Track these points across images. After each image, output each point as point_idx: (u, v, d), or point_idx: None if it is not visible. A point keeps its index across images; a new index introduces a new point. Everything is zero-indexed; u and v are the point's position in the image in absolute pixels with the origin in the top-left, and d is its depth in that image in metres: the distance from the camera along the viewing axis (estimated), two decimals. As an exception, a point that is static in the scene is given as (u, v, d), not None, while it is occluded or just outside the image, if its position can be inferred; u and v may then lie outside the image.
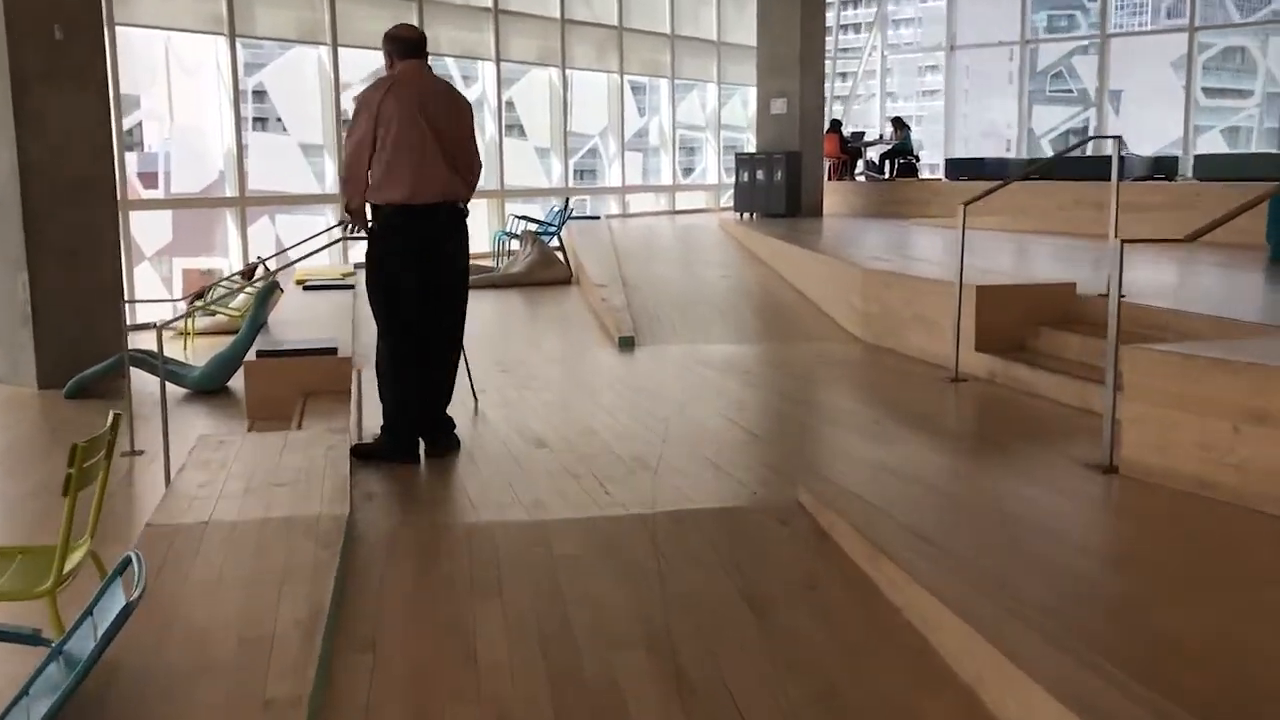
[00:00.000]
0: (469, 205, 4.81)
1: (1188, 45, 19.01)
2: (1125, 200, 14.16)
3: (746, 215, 16.56)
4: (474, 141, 4.80)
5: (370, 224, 4.69)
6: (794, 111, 16.39)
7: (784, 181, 16.18)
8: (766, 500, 4.10)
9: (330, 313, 9.44)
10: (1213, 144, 20.04)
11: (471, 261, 7.32)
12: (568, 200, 14.98)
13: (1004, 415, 5.57)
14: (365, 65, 15.01)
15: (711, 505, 4.04)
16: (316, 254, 9.86)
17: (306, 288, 10.81)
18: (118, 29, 11.39)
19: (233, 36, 12.54)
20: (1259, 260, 8.83)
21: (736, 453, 4.86)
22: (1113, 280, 4.40)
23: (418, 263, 4.60)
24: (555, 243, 13.10)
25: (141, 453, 6.30)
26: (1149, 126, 20.56)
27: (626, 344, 7.75)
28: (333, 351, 7.09)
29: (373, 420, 5.32)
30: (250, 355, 7.22)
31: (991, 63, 23.08)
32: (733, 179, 20.81)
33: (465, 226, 4.79)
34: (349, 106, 15.01)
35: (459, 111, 4.75)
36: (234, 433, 6.88)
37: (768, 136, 16.72)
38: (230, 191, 12.88)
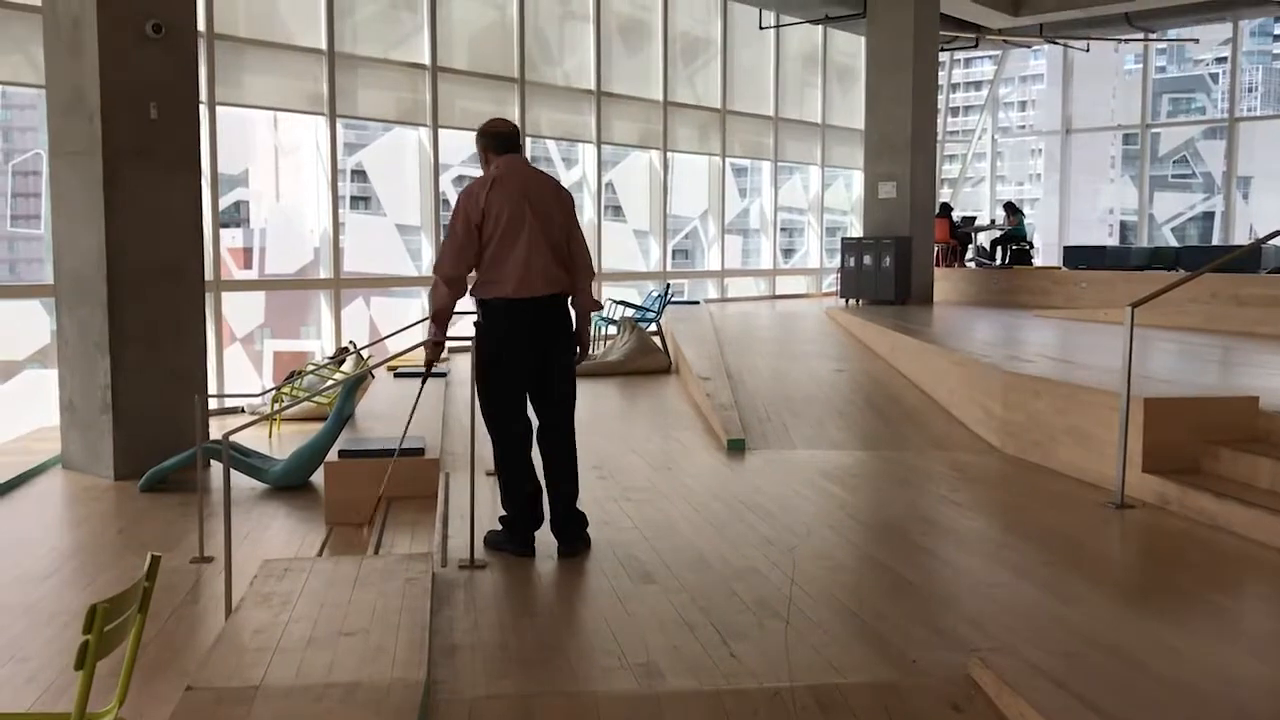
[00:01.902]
0: (591, 290, 4.86)
1: (1325, 129, 17.96)
2: (1264, 294, 13.21)
3: (853, 301, 15.85)
4: (578, 231, 4.81)
5: (476, 321, 4.75)
6: (903, 195, 15.74)
7: (893, 267, 15.47)
8: (930, 673, 3.35)
9: (423, 404, 8.92)
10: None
11: None
12: (668, 285, 14.45)
13: (1193, 557, 4.74)
14: (465, 147, 14.79)
15: (863, 678, 3.30)
16: (408, 341, 9.42)
17: (397, 375, 10.36)
18: (219, 108, 11.27)
19: (333, 116, 12.36)
20: None
21: (881, 599, 4.12)
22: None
23: (529, 353, 4.67)
24: (653, 328, 12.54)
25: (211, 559, 5.79)
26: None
27: (736, 446, 7.07)
28: (420, 452, 6.54)
29: (461, 536, 4.73)
30: (332, 454, 6.70)
31: (1096, 148, 22.22)
32: (835, 263, 20.18)
33: (567, 313, 4.78)
34: (447, 189, 14.77)
35: (562, 203, 4.77)
36: (312, 535, 6.37)
37: (875, 220, 16.07)
38: (325, 273, 12.61)
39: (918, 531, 5.12)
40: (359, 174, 14.58)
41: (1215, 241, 19.96)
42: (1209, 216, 20.99)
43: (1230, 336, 10.46)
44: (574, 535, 4.78)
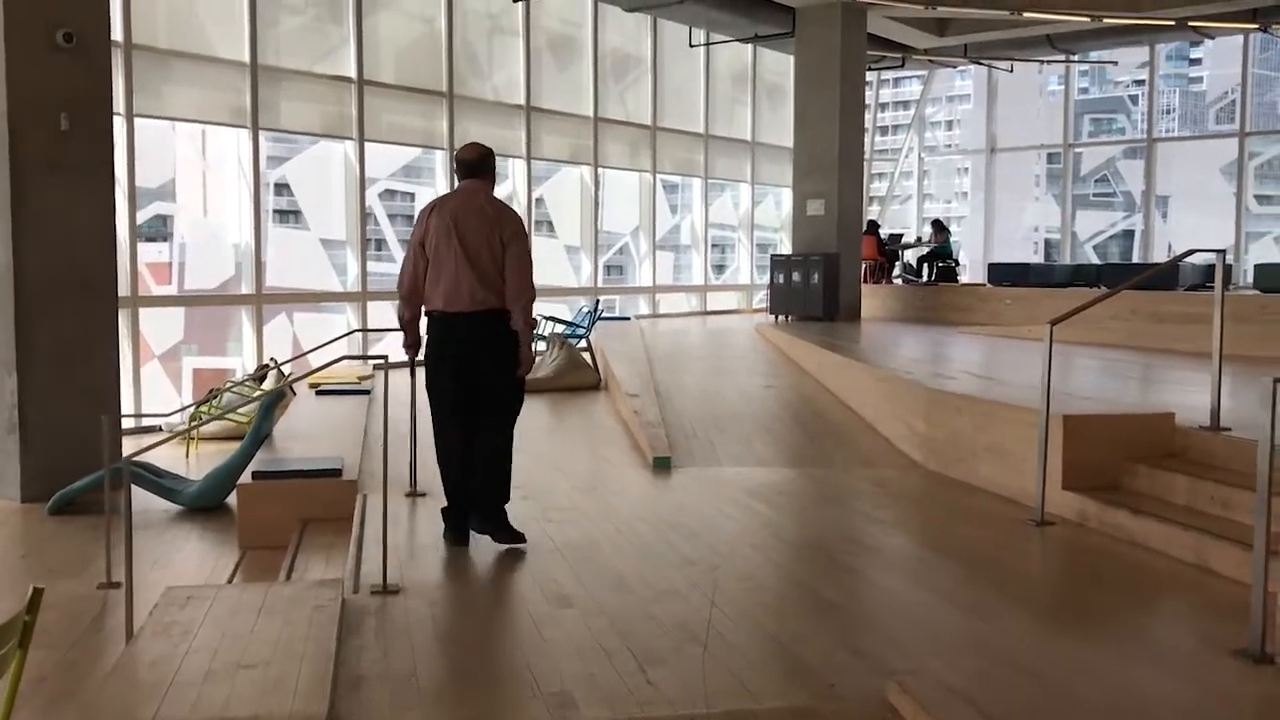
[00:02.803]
0: (528, 309, 5.16)
1: (1239, 150, 18.43)
2: (1182, 311, 13.50)
3: (782, 318, 15.91)
4: (511, 253, 5.07)
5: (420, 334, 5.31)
6: (831, 212, 15.84)
7: (821, 284, 15.55)
8: (848, 698, 3.30)
9: (344, 422, 8.76)
10: (1266, 252, 19.34)
11: None
12: (598, 301, 14.38)
13: (1109, 574, 4.77)
14: (391, 161, 14.63)
15: (780, 704, 3.25)
16: (332, 357, 9.23)
17: (320, 392, 10.16)
18: (137, 120, 10.99)
19: (255, 129, 12.13)
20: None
21: (802, 621, 4.07)
22: (1266, 424, 3.62)
23: (453, 361, 5.12)
24: (584, 345, 12.48)
25: (119, 585, 5.57)
26: (1197, 233, 19.92)
27: (662, 464, 7.01)
28: (336, 473, 6.39)
29: (375, 559, 4.60)
30: (246, 474, 6.52)
31: (1020, 166, 22.63)
32: (765, 279, 20.27)
33: (497, 329, 5.09)
34: (373, 203, 14.57)
35: (498, 227, 5.09)
36: (225, 559, 6.19)
37: (804, 237, 16.15)
38: (247, 288, 12.35)
39: (841, 550, 5.10)
40: (283, 187, 14.34)
41: (1135, 259, 20.40)
42: (1129, 234, 21.45)
43: (1150, 353, 10.66)
44: (490, 530, 5.16)
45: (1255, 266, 14.99)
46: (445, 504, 5.34)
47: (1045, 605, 4.44)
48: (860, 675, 3.47)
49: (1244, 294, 14.10)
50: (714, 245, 19.86)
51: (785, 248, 20.49)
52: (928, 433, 6.94)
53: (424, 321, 5.29)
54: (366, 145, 13.30)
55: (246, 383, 10.97)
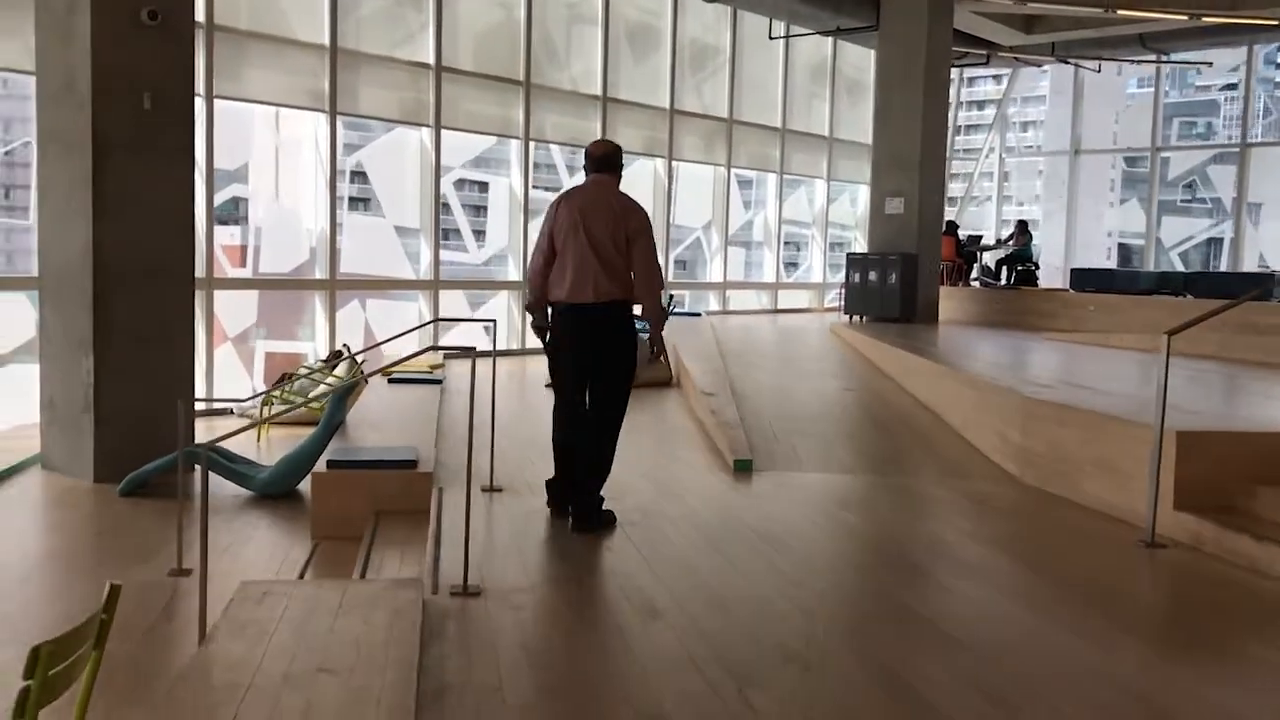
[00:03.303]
0: (657, 299, 5.36)
1: (1338, 157, 17.73)
2: (1275, 322, 12.94)
3: (857, 318, 15.58)
4: (638, 247, 5.20)
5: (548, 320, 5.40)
6: (910, 212, 15.47)
7: (898, 284, 15.20)
8: (969, 734, 3.05)
9: (416, 412, 8.63)
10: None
11: None
12: (672, 296, 14.15)
13: (1232, 604, 4.44)
14: (467, 149, 14.51)
15: (895, 738, 3.01)
16: (406, 346, 9.12)
17: (391, 381, 10.06)
18: (217, 101, 10.97)
19: (333, 114, 12.07)
20: None
21: (912, 650, 3.81)
22: None
23: (575, 351, 5.28)
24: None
25: (189, 572, 5.48)
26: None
27: (743, 468, 6.78)
28: (412, 465, 6.24)
29: (455, 558, 4.42)
30: (320, 464, 6.39)
31: (1096, 170, 22.01)
32: (838, 278, 19.90)
33: (621, 320, 5.29)
34: (448, 191, 14.47)
35: (622, 221, 5.21)
36: (297, 549, 6.06)
37: (881, 236, 15.80)
38: (320, 273, 12.31)
39: (943, 570, 4.82)
40: (359, 174, 14.29)
41: (1224, 267, 19.72)
42: (1216, 242, 20.78)
43: (1247, 366, 10.17)
44: (581, 515, 5.29)
45: (1357, 278, 14.39)
46: (552, 477, 5.53)
47: (1167, 637, 4.13)
48: (983, 711, 3.21)
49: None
50: (787, 242, 19.54)
51: (860, 246, 20.13)
52: (1024, 444, 6.62)
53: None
54: (442, 133, 13.20)
55: (319, 369, 10.92)
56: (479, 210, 15.23)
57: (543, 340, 5.49)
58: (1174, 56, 19.83)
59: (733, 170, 17.64)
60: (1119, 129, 21.92)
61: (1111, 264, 21.61)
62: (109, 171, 7.48)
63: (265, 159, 13.55)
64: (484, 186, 15.24)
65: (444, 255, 13.60)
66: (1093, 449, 5.95)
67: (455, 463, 6.80)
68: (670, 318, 13.23)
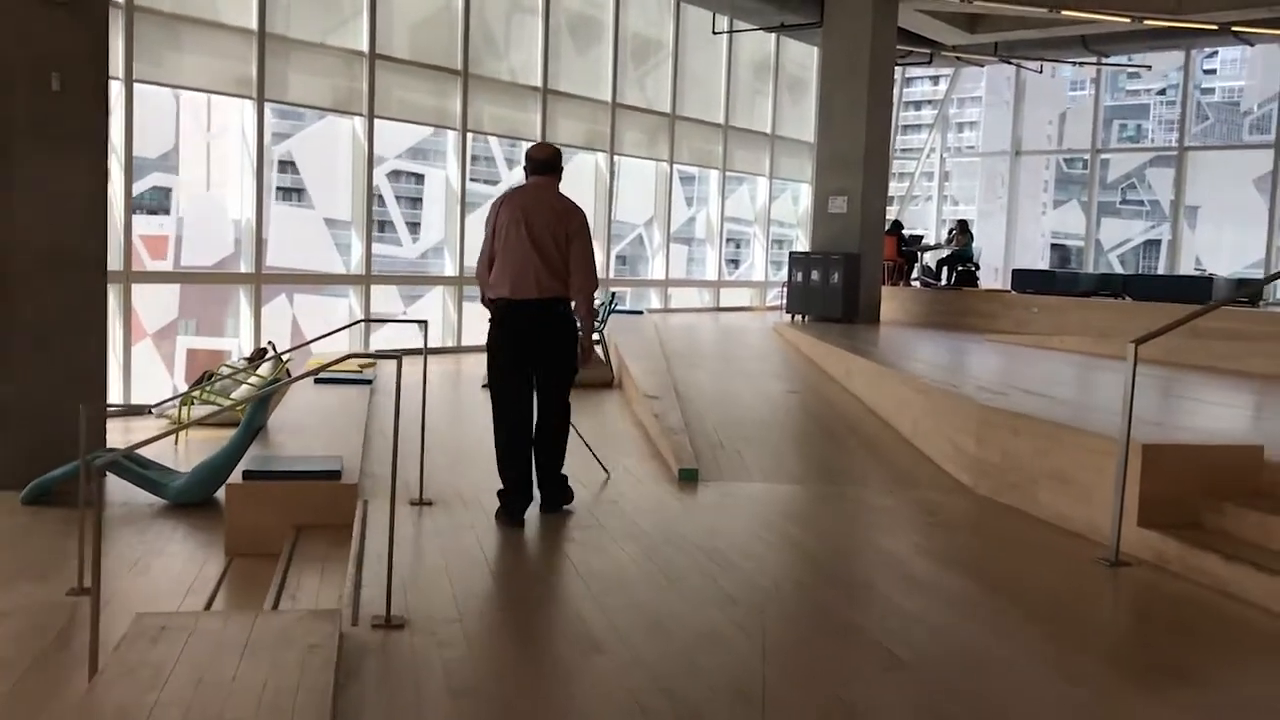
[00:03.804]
0: (590, 299, 5.53)
1: (1274, 162, 17.87)
2: (1221, 327, 12.93)
3: (799, 317, 15.37)
4: (576, 247, 5.40)
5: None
6: (854, 211, 15.29)
7: (841, 284, 15.02)
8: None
9: (343, 415, 8.22)
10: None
11: None
12: (613, 294, 13.82)
13: (1206, 630, 4.22)
14: (403, 139, 14.07)
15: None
16: (334, 345, 8.68)
17: (318, 380, 9.60)
18: (137, 86, 10.43)
19: (261, 101, 11.57)
20: None
21: (870, 682, 3.53)
22: None
23: (517, 347, 5.44)
24: (595, 338, 11.92)
25: (89, 591, 5.03)
26: (1226, 246, 19.38)
27: (688, 477, 6.47)
28: (335, 475, 5.85)
29: (378, 583, 4.05)
30: (236, 474, 5.97)
31: (1032, 171, 22.07)
32: (780, 276, 19.72)
33: (562, 315, 5.47)
34: (381, 182, 14.01)
35: (557, 221, 5.39)
36: (211, 565, 5.64)
37: (825, 235, 15.61)
38: (245, 267, 11.80)
39: (897, 590, 4.55)
40: (288, 164, 13.79)
41: (1161, 270, 19.85)
42: (1153, 244, 20.92)
43: (1194, 371, 10.06)
44: (555, 498, 5.62)
45: (1296, 283, 14.48)
46: (502, 488, 5.53)
47: (1131, 661, 3.88)
48: (953, 760, 2.93)
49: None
50: (729, 240, 19.32)
51: (802, 245, 19.96)
52: (978, 454, 6.40)
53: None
54: (376, 122, 12.74)
55: (243, 367, 10.44)
56: (414, 203, 14.79)
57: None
58: (1114, 59, 19.93)
59: (675, 166, 17.36)
60: (1054, 130, 21.98)
61: (1045, 264, 21.66)
62: (11, 156, 6.98)
63: (191, 147, 13.02)
64: (419, 178, 14.81)
65: (377, 249, 13.14)
66: (1049, 460, 5.73)
67: (383, 472, 6.41)
68: (611, 315, 12.94)
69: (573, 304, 5.48)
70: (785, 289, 16.25)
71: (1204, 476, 5.12)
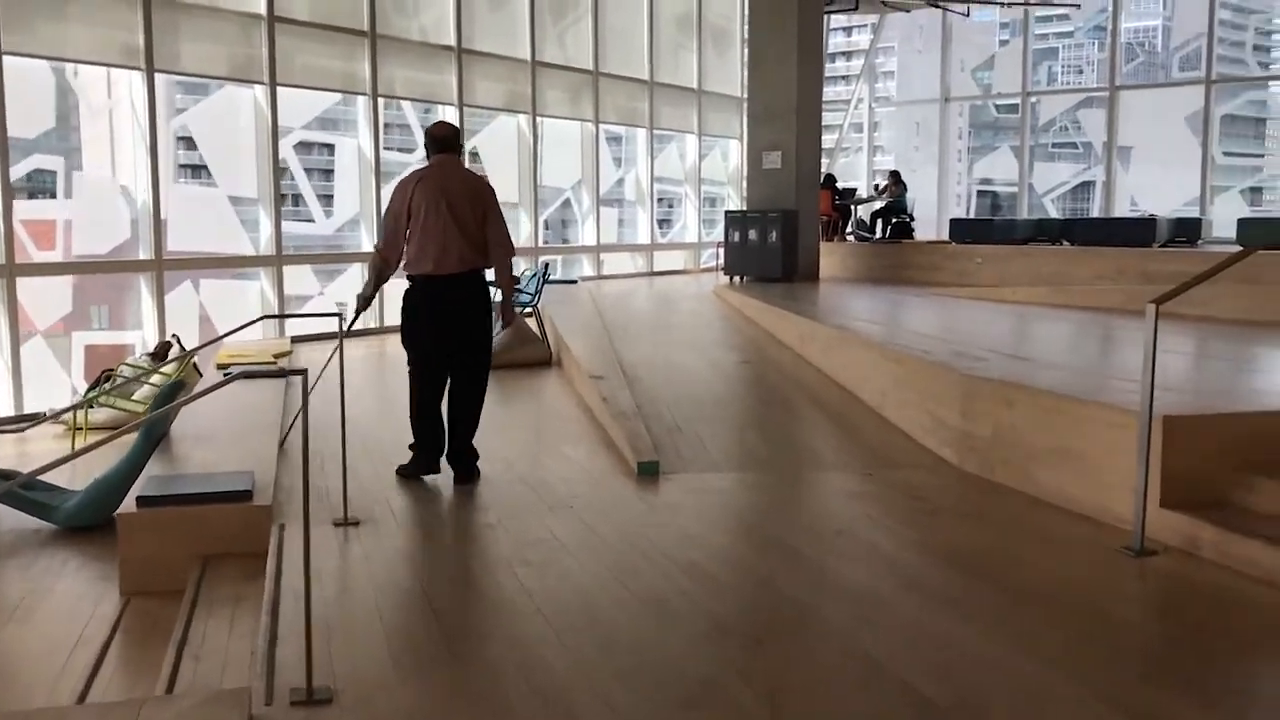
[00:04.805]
0: (510, 267, 5.88)
1: (1205, 99, 17.61)
2: (1174, 270, 12.57)
3: (737, 278, 14.76)
4: (493, 220, 5.69)
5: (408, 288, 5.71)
6: (789, 166, 14.66)
7: (779, 242, 14.42)
8: None
9: (257, 414, 7.40)
10: (1233, 205, 18.62)
11: None
12: (546, 264, 13.08)
13: (1256, 628, 3.68)
14: (310, 108, 13.11)
15: None
16: (242, 329, 7.85)
17: (228, 375, 8.73)
18: (6, 59, 9.41)
19: (150, 71, 10.58)
20: None
21: (882, 714, 2.91)
22: None
23: (442, 319, 5.63)
24: (528, 311, 11.20)
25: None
26: (1160, 186, 19.14)
27: (648, 471, 5.80)
28: (246, 496, 5.08)
29: (296, 645, 3.34)
30: (129, 499, 5.17)
31: (948, 118, 21.67)
32: (713, 236, 19.10)
33: (481, 287, 5.72)
34: (289, 155, 13.06)
35: (474, 197, 5.66)
36: (105, 606, 4.87)
37: (760, 193, 14.97)
38: (144, 253, 10.83)
39: (908, 602, 3.94)
40: (185, 139, 12.77)
41: (1095, 213, 19.58)
42: (1086, 186, 20.64)
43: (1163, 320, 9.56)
44: (467, 469, 5.75)
45: (1239, 221, 14.16)
46: (414, 444, 5.78)
47: (1181, 675, 3.31)
48: None
49: (1224, 249, 13.25)
50: (660, 200, 18.63)
51: (734, 203, 19.35)
52: (963, 427, 5.82)
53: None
54: (279, 90, 11.79)
55: (146, 364, 9.53)
56: (325, 175, 13.84)
57: (361, 311, 6.08)
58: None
59: (601, 126, 16.58)
60: (967, 76, 21.56)
61: (968, 213, 21.30)
62: None
63: (79, 124, 11.96)
64: (329, 149, 13.83)
65: (287, 227, 12.23)
66: (1051, 435, 5.16)
67: (302, 484, 5.66)
68: (546, 286, 12.19)
69: (490, 274, 5.78)
70: (721, 249, 15.63)
71: (1230, 448, 4.58)
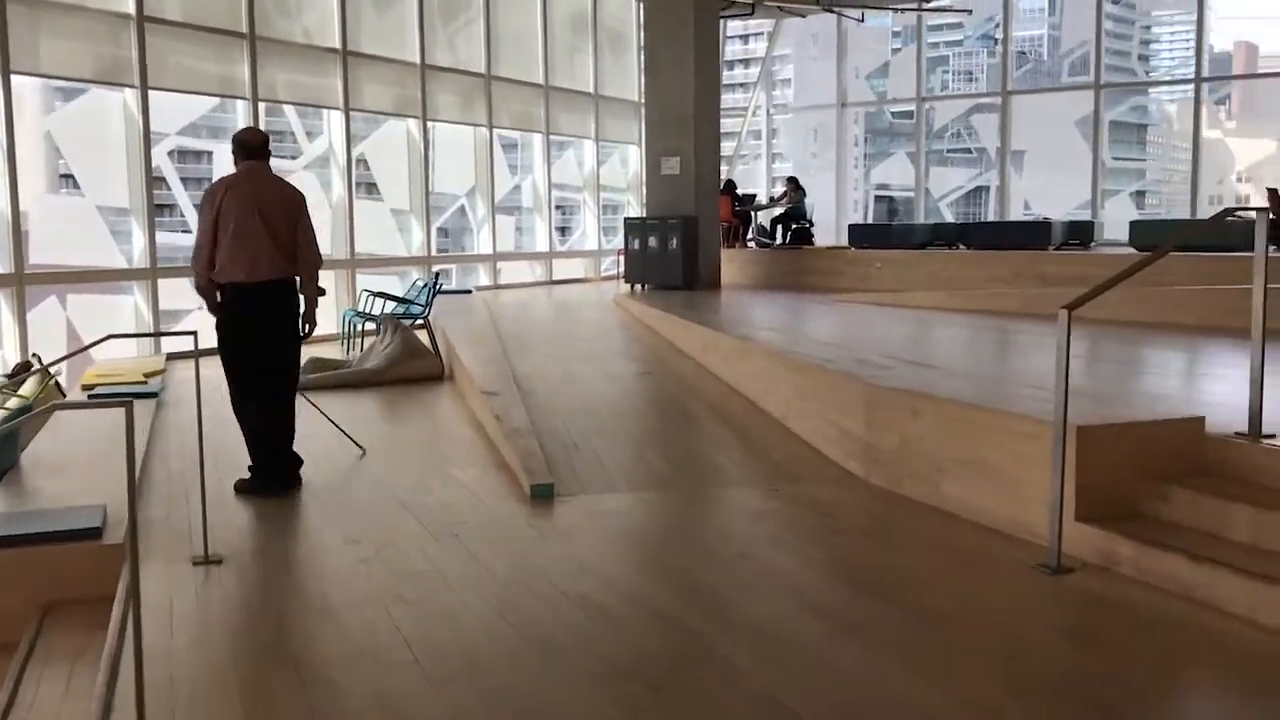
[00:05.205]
0: (317, 276, 5.83)
1: (1094, 104, 17.89)
2: (1068, 272, 12.65)
3: (638, 287, 14.48)
4: (303, 228, 5.71)
5: (218, 298, 5.63)
6: (688, 172, 14.43)
7: (680, 250, 14.17)
8: None
9: (118, 442, 6.84)
10: (1122, 208, 18.98)
11: (319, 355, 9.47)
12: (437, 273, 12.63)
13: (1191, 651, 3.49)
14: (185, 113, 12.49)
15: None
16: (120, 345, 7.28)
17: (93, 397, 8.15)
18: None
19: (6, 73, 9.89)
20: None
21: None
22: None
23: (257, 327, 5.60)
24: (419, 324, 10.74)
25: None
26: (1051, 189, 19.42)
27: (543, 494, 5.44)
28: (95, 534, 4.59)
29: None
30: (-38, 541, 4.64)
31: (856, 124, 21.78)
32: (613, 244, 18.82)
33: (291, 293, 5.72)
34: (162, 162, 12.40)
35: (286, 204, 5.68)
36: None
37: (659, 199, 14.71)
38: (3, 266, 10.12)
39: (818, 636, 3.65)
40: (51, 146, 12.04)
41: (990, 216, 19.78)
42: (981, 190, 20.86)
43: (1048, 322, 9.46)
44: (290, 476, 5.75)
45: (1131, 224, 14.36)
46: (252, 462, 5.71)
47: (1112, 712, 3.10)
48: None
49: (1122, 253, 13.39)
50: (557, 208, 18.28)
51: (634, 210, 19.10)
52: (869, 439, 5.59)
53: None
54: (150, 94, 11.16)
55: (3, 386, 8.85)
56: (201, 184, 13.18)
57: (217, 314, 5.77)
58: (935, 5, 19.68)
59: (495, 131, 16.17)
60: (863, 83, 21.67)
61: (866, 218, 21.38)
62: None
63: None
64: (207, 156, 13.19)
65: (162, 238, 11.58)
66: (959, 446, 4.95)
67: (162, 518, 5.20)
68: (437, 297, 11.74)
69: (299, 280, 5.73)
70: (621, 257, 15.34)
71: (1141, 458, 4.41)
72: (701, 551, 4.68)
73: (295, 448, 5.83)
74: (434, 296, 11.28)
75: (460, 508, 5.31)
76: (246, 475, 5.70)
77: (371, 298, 11.46)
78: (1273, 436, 4.38)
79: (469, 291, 14.95)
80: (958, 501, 4.96)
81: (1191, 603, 3.80)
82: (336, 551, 4.63)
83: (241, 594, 4.20)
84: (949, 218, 20.34)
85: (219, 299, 5.61)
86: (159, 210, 11.71)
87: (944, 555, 4.50)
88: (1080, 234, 15.71)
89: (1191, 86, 17.69)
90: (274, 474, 5.66)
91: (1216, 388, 6.40)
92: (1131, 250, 13.37)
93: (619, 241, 18.01)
